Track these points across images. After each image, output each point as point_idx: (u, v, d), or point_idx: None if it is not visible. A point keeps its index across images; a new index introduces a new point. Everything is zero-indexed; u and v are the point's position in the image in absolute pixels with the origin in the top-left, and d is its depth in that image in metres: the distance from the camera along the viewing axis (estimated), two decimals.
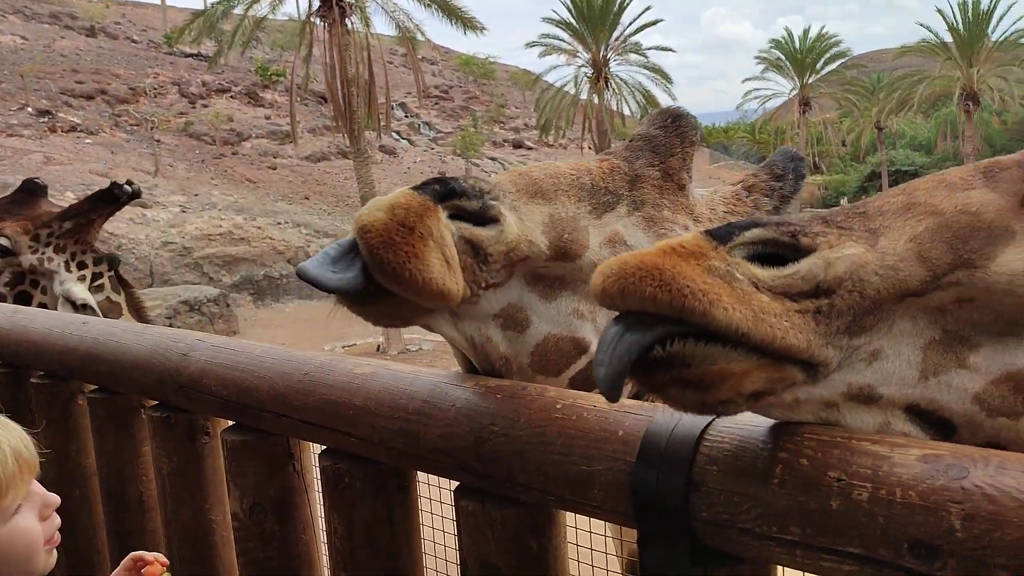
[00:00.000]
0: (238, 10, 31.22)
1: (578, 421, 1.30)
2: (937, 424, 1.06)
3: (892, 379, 1.03)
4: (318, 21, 30.34)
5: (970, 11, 37.44)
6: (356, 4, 29.58)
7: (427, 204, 1.33)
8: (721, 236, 1.00)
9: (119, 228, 35.12)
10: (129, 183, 4.33)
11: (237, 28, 30.99)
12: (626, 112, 44.89)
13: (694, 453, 1.16)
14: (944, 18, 37.87)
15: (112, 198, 4.23)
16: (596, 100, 42.06)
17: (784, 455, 1.09)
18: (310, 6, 30.17)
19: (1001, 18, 38.08)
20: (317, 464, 1.82)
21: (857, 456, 1.04)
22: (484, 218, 1.40)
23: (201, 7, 32.85)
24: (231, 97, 57.70)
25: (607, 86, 42.32)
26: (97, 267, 4.33)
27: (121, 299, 4.39)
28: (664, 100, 44.83)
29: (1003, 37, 38.67)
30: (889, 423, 1.06)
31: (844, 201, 68.14)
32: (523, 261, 1.45)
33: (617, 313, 1.02)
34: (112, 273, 4.42)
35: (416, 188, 1.36)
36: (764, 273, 0.99)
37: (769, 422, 1.17)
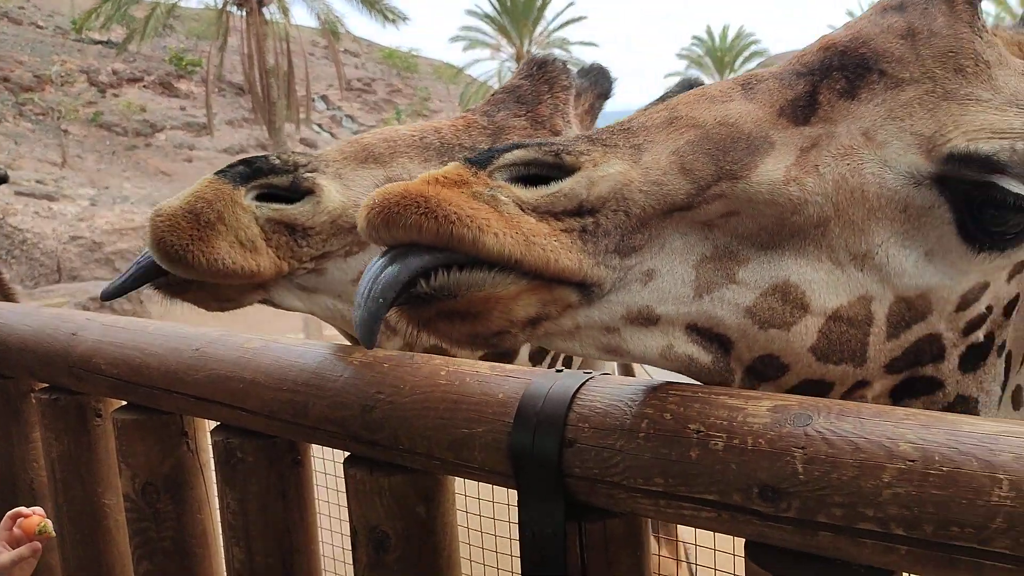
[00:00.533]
0: None
1: (460, 386, 1.34)
2: (716, 340, 1.09)
3: (668, 298, 1.04)
4: (235, 10, 29.69)
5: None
6: None
7: (220, 189, 1.33)
8: (481, 161, 0.99)
9: (24, 222, 33.72)
10: None
11: (149, 15, 30.06)
12: None
13: (567, 412, 1.20)
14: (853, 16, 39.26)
15: None
16: None
17: (650, 411, 1.15)
18: None
19: None
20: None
21: (715, 409, 1.10)
22: (298, 191, 1.39)
23: None
24: (144, 87, 55.88)
25: None
26: None
27: None
28: None
29: None
30: (672, 345, 1.08)
31: None
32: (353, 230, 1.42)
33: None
34: None
35: (220, 172, 1.35)
36: (527, 194, 0.97)
37: (641, 382, 1.23)
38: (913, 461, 0.95)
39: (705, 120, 1.07)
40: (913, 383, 1.16)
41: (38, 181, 38.14)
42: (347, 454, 1.53)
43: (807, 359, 1.09)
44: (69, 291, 29.27)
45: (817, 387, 1.12)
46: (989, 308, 1.16)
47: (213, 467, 1.88)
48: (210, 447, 1.88)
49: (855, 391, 1.14)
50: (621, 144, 1.05)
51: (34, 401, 2.17)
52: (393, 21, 31.06)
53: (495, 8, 42.05)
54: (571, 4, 43.42)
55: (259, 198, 1.37)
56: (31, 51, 54.71)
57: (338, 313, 1.51)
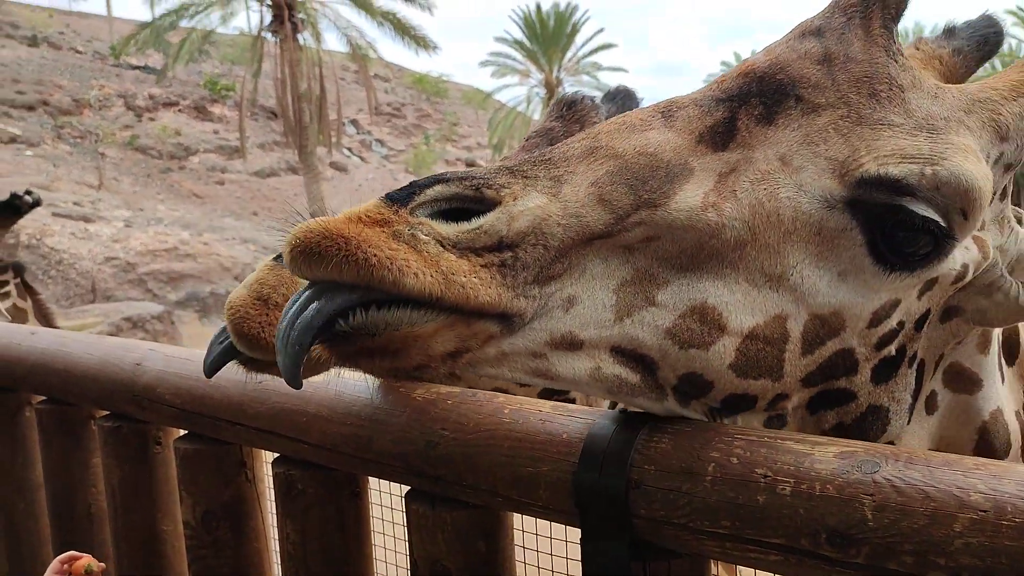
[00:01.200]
0: (186, 22, 30.92)
1: (524, 425, 1.37)
2: (640, 361, 1.10)
3: (590, 323, 1.06)
4: (269, 36, 30.20)
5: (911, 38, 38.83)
6: (308, 20, 29.48)
7: (281, 274, 1.40)
8: (402, 198, 0.98)
9: (60, 243, 34.31)
10: (28, 192, 4.32)
11: (184, 41, 30.66)
12: None
13: (633, 453, 1.23)
14: None
15: (14, 209, 4.24)
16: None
17: (716, 455, 1.17)
18: (261, 21, 30.02)
19: None
20: (269, 472, 1.86)
21: (781, 454, 1.12)
22: None
23: (148, 18, 32.40)
24: (179, 111, 56.87)
25: None
26: (3, 275, 4.33)
27: (28, 305, 4.39)
28: None
29: None
30: (600, 367, 1.09)
31: None
32: None
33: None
34: (18, 280, 4.42)
35: (276, 257, 1.42)
36: (448, 230, 0.98)
37: (705, 424, 1.25)
38: (985, 511, 0.96)
39: (624, 150, 1.09)
40: (828, 395, 1.20)
41: (75, 203, 38.84)
42: (407, 488, 1.57)
43: (728, 376, 1.12)
44: (103, 311, 29.70)
45: (741, 401, 1.16)
46: (901, 323, 1.20)
47: (269, 497, 1.93)
48: (267, 477, 1.92)
49: (776, 404, 1.18)
50: (541, 176, 1.06)
51: (95, 428, 2.23)
52: (425, 48, 31.41)
53: (524, 35, 42.38)
54: (600, 31, 43.70)
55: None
56: (70, 75, 55.94)
57: None
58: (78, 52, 64.50)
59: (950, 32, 1.47)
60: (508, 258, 0.99)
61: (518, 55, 43.15)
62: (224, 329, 1.45)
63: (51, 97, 51.23)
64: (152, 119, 54.01)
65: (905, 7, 1.20)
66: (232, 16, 30.75)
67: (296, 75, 29.21)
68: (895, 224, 1.10)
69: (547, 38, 41.82)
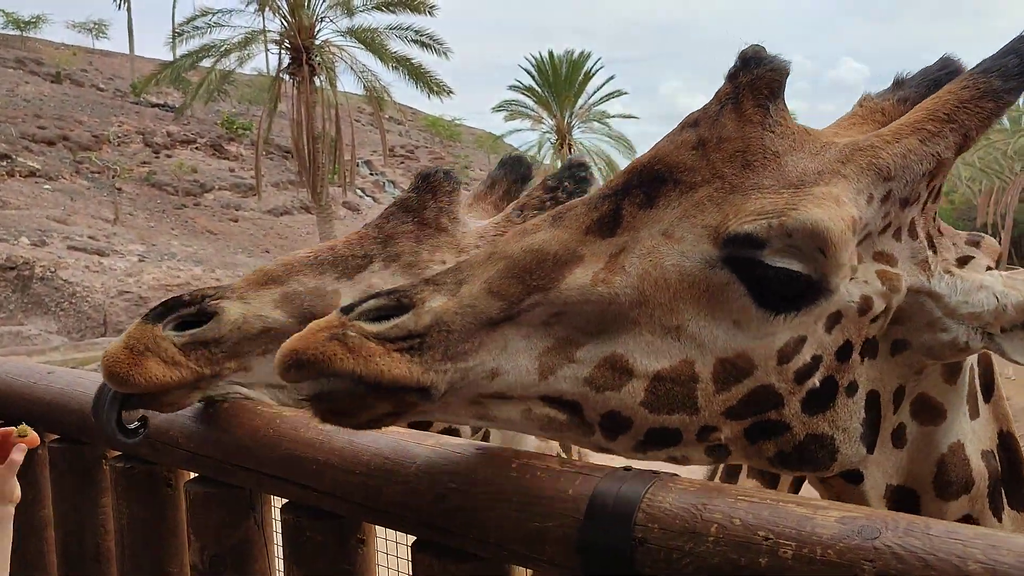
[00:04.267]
0: (206, 63, 31.46)
1: (532, 480, 1.39)
2: (566, 405, 1.30)
3: (517, 386, 1.28)
4: (287, 77, 30.67)
5: None
6: (324, 64, 29.96)
7: (144, 328, 1.72)
8: (348, 309, 1.27)
9: (74, 275, 34.59)
10: None
11: (203, 80, 31.16)
12: None
13: (637, 512, 1.25)
14: None
15: None
16: (559, 165, 42.76)
17: (719, 516, 1.19)
18: (280, 63, 30.52)
19: None
20: (277, 517, 1.88)
21: (783, 518, 1.15)
22: (206, 315, 1.75)
23: (170, 58, 33.00)
24: (196, 148, 57.60)
25: (570, 151, 43.11)
26: None
27: None
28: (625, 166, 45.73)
29: None
30: (531, 409, 1.30)
31: None
32: (271, 332, 1.77)
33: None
34: None
35: (144, 316, 1.75)
36: (373, 328, 1.24)
37: (709, 485, 1.28)
38: None
39: (513, 251, 1.32)
40: (761, 426, 1.33)
41: (90, 236, 39.23)
42: (413, 538, 1.59)
43: (642, 412, 1.28)
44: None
45: (663, 434, 1.31)
46: (816, 357, 1.32)
47: (277, 541, 1.95)
48: (275, 521, 1.94)
49: (707, 435, 1.32)
50: (448, 282, 1.30)
51: (107, 468, 2.26)
52: (438, 94, 31.84)
53: (536, 81, 42.89)
54: (611, 78, 44.25)
55: (177, 327, 1.73)
56: (91, 112, 56.84)
57: (273, 395, 1.84)
58: (99, 89, 65.61)
59: (899, 83, 1.62)
60: (416, 343, 1.24)
61: (530, 101, 43.64)
62: (105, 389, 1.78)
63: (71, 132, 52.02)
64: (169, 156, 54.73)
65: (781, 86, 1.37)
66: (250, 58, 31.25)
67: (312, 116, 29.63)
68: (761, 273, 1.26)
69: (559, 85, 42.32)
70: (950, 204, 61.56)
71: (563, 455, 2.20)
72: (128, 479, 2.16)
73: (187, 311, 1.76)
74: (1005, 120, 44.46)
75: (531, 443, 2.15)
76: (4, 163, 45.73)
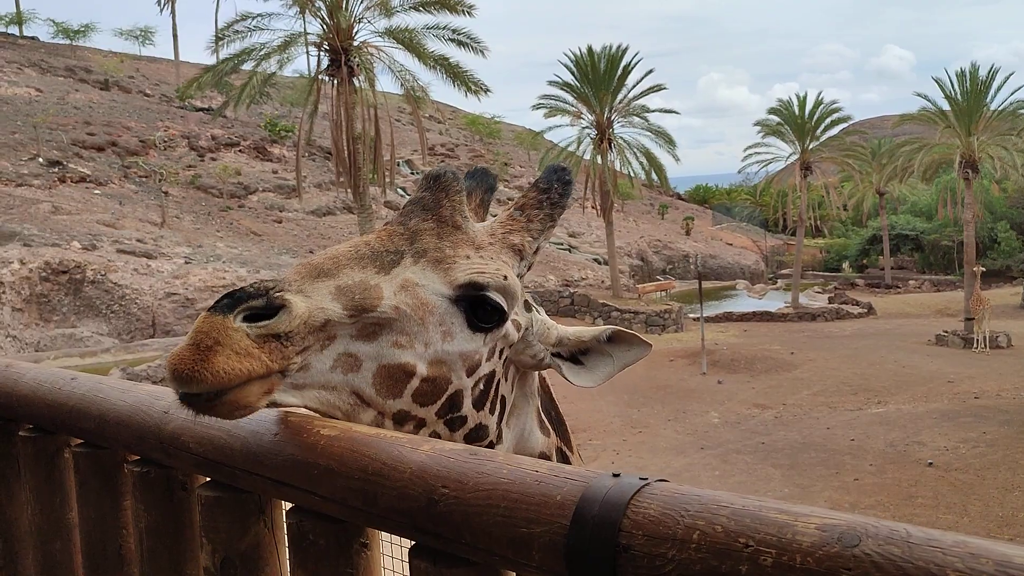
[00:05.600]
0: (248, 66, 31.88)
1: (521, 485, 1.39)
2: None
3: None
4: (326, 79, 30.95)
5: (968, 81, 38.06)
6: (362, 65, 30.17)
7: (213, 321, 1.64)
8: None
9: (123, 278, 35.36)
10: None
11: (245, 84, 31.58)
12: (629, 173, 45.39)
13: (622, 519, 1.24)
14: (942, 88, 38.46)
15: None
16: (599, 160, 42.56)
17: (701, 522, 1.18)
18: (319, 64, 30.79)
19: (999, 88, 38.62)
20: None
21: (765, 525, 1.13)
22: (273, 307, 1.70)
23: (213, 62, 33.50)
24: (240, 151, 58.50)
25: (610, 147, 42.89)
26: None
27: None
28: (666, 161, 45.41)
29: (1002, 107, 39.21)
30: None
31: (846, 265, 68.43)
32: (330, 324, 1.76)
33: None
34: None
35: (210, 308, 1.68)
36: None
37: (694, 491, 1.26)
38: None
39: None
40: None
41: (138, 240, 40.07)
42: (412, 543, 1.59)
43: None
44: (162, 345, 30.43)
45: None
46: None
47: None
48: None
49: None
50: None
51: (127, 472, 2.31)
52: (476, 92, 31.88)
53: (575, 77, 42.71)
54: (650, 72, 43.86)
55: (247, 319, 1.67)
56: (138, 117, 58.06)
57: (326, 402, 1.79)
58: (146, 95, 66.97)
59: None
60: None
61: (569, 97, 43.46)
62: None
63: (119, 138, 53.19)
64: (214, 159, 55.68)
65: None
66: (290, 61, 31.67)
67: (351, 117, 29.86)
68: None
69: (598, 80, 42.06)
70: (1003, 192, 60.03)
71: (563, 448, 2.22)
72: (145, 483, 2.20)
73: (256, 303, 1.69)
74: None
75: (538, 442, 2.16)
76: (56, 169, 46.91)
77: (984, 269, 40.83)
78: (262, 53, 30.98)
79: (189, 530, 2.18)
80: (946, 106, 38.73)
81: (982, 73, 38.34)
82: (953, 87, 38.32)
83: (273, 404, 1.72)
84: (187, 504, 2.17)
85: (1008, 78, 38.69)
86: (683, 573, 1.16)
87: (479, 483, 1.44)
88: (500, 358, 2.00)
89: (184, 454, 2.04)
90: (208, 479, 2.05)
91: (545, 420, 2.22)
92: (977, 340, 31.40)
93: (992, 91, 38.35)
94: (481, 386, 1.95)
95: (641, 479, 1.31)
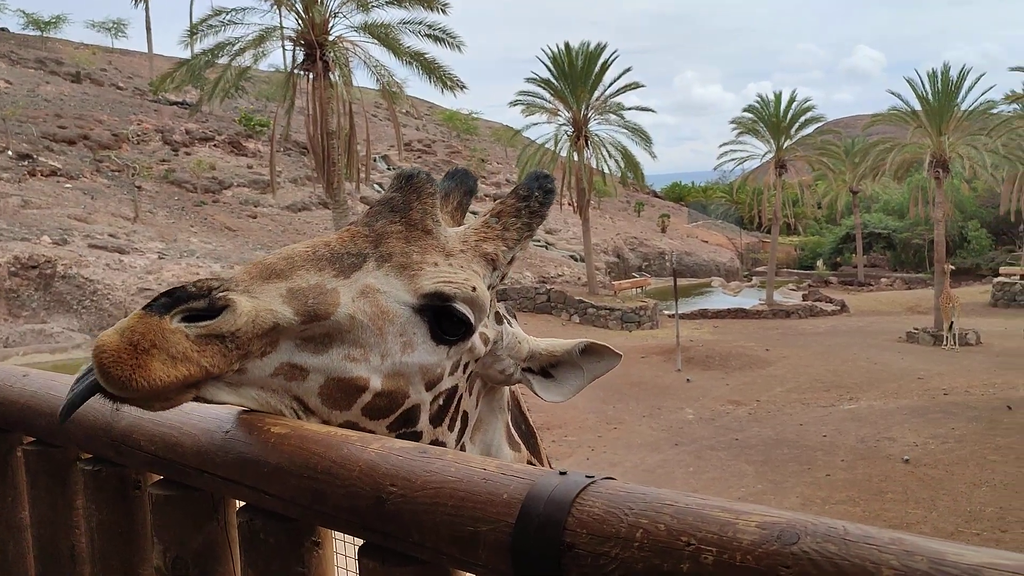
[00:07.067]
0: (223, 60, 31.58)
1: (469, 484, 1.38)
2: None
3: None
4: (302, 74, 30.74)
5: (939, 81, 38.45)
6: (337, 60, 29.99)
7: (150, 322, 1.55)
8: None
9: (95, 273, 34.96)
10: None
11: (220, 78, 31.29)
12: (605, 170, 45.50)
13: (567, 517, 1.24)
14: (913, 88, 38.83)
15: None
16: (576, 157, 42.61)
17: (645, 521, 1.17)
18: (294, 59, 30.57)
19: (970, 89, 39.05)
20: None
21: (707, 523, 1.13)
22: (215, 309, 1.61)
23: (187, 55, 33.15)
24: (214, 146, 57.99)
25: (587, 144, 42.95)
26: None
27: None
28: (643, 158, 45.56)
29: (972, 107, 39.65)
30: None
31: (820, 263, 69.02)
32: (278, 331, 1.66)
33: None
34: None
35: (146, 307, 1.58)
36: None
37: (640, 489, 1.26)
38: None
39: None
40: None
41: (111, 235, 39.64)
42: (362, 541, 1.58)
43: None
44: None
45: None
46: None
47: None
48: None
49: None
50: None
51: (78, 470, 2.27)
52: (452, 89, 31.79)
53: (552, 74, 42.72)
54: (628, 70, 43.93)
55: (185, 320, 1.58)
56: (111, 110, 57.37)
57: (266, 403, 1.72)
58: (119, 88, 66.16)
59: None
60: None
61: (546, 94, 43.45)
62: (89, 369, 1.59)
63: (91, 132, 52.52)
64: (188, 153, 55.13)
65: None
66: (265, 55, 31.36)
67: (326, 112, 29.68)
68: None
69: (575, 77, 42.09)
70: (973, 191, 60.81)
71: (533, 462, 2.19)
72: (97, 481, 2.16)
73: (196, 304, 1.61)
74: None
75: (507, 457, 2.11)
76: (26, 163, 46.25)
77: (954, 267, 41.40)
78: (237, 47, 30.71)
79: (141, 529, 2.14)
80: (917, 106, 39.12)
81: (953, 74, 38.78)
82: (924, 87, 38.73)
83: (202, 399, 1.65)
84: (139, 503, 2.14)
85: (979, 79, 39.17)
86: (626, 571, 1.16)
87: (427, 481, 1.42)
88: (464, 372, 1.91)
89: (136, 452, 2.01)
90: (161, 477, 2.02)
91: (515, 434, 2.14)
92: (947, 337, 31.78)
93: (963, 92, 38.78)
94: (441, 401, 1.86)
95: (587, 477, 1.30)
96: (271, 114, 45.40)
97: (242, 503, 1.83)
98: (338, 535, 1.83)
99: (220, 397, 1.66)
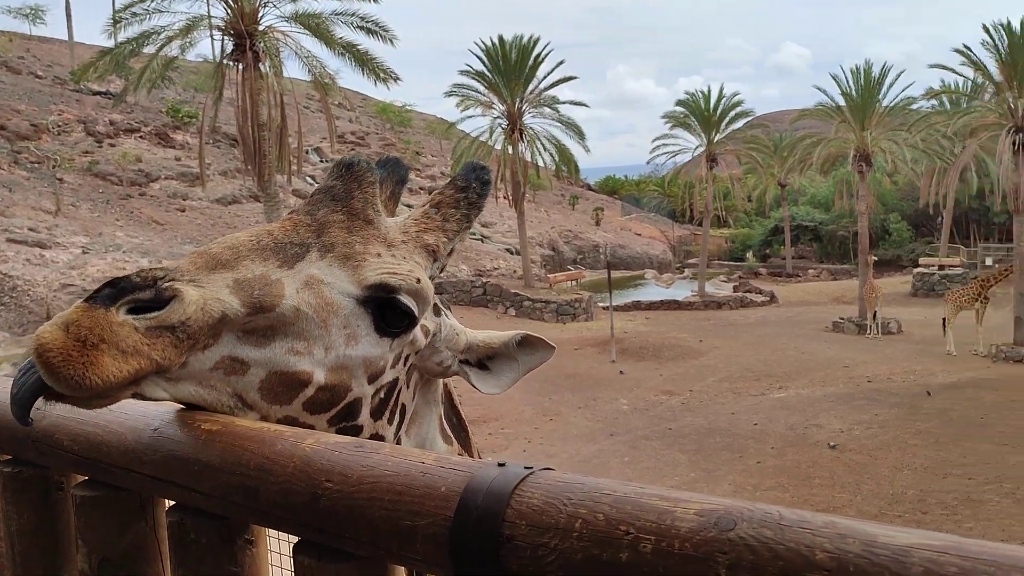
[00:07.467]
0: (149, 49, 30.69)
1: (406, 477, 1.36)
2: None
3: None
4: (231, 64, 30.08)
5: (862, 78, 39.55)
6: (268, 50, 29.42)
7: (95, 315, 1.47)
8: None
9: (14, 269, 33.71)
10: None
11: (145, 67, 30.41)
12: (540, 164, 45.66)
13: (506, 509, 1.23)
14: (838, 84, 39.89)
15: None
16: (511, 151, 42.64)
17: (584, 511, 1.17)
18: (223, 49, 29.89)
19: (891, 85, 40.25)
20: None
21: (646, 512, 1.13)
22: (162, 299, 1.54)
23: (111, 44, 32.06)
24: (140, 137, 56.38)
25: (521, 137, 43.01)
26: None
27: None
28: (577, 152, 45.82)
29: (893, 103, 40.89)
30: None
31: (750, 254, 70.48)
32: (223, 322, 1.61)
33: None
34: None
35: (89, 299, 1.50)
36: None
37: (579, 479, 1.26)
38: (828, 571, 0.97)
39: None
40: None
41: (31, 229, 38.22)
42: (298, 538, 1.55)
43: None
44: None
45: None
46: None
47: None
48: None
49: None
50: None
51: None
52: (384, 80, 31.48)
53: (486, 67, 42.64)
54: (561, 63, 44.13)
55: (132, 311, 1.51)
56: (29, 100, 55.25)
57: (202, 398, 1.65)
58: (38, 77, 63.78)
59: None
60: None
61: (480, 87, 43.38)
62: (30, 366, 1.48)
63: (8, 122, 50.51)
64: (112, 145, 53.45)
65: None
66: (192, 45, 30.51)
67: (257, 103, 29.09)
68: None
69: (509, 70, 42.10)
70: (894, 185, 62.76)
71: (464, 455, 2.18)
72: (18, 483, 2.08)
73: (143, 295, 1.53)
74: (946, 102, 45.41)
75: (441, 450, 2.10)
76: None
77: (877, 258, 42.77)
78: (163, 36, 29.86)
79: (65, 532, 2.07)
80: (842, 102, 40.18)
81: (875, 71, 39.94)
82: (848, 84, 39.80)
83: (140, 396, 1.58)
84: (63, 505, 2.07)
85: (899, 76, 40.44)
86: (565, 562, 1.16)
87: (364, 476, 1.40)
88: (405, 365, 1.89)
89: (59, 452, 1.93)
90: (86, 478, 1.95)
91: (447, 427, 2.13)
92: (870, 326, 32.78)
93: (884, 88, 39.98)
94: (382, 395, 1.84)
95: (526, 468, 1.30)
96: (200, 105, 44.25)
97: (172, 502, 1.78)
98: (273, 533, 1.79)
99: (157, 394, 1.60)
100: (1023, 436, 17.65)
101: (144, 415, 1.79)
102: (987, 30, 29.51)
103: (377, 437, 1.85)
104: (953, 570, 0.93)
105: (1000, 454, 16.73)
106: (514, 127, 42.66)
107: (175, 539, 1.72)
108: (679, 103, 52.46)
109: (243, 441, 1.58)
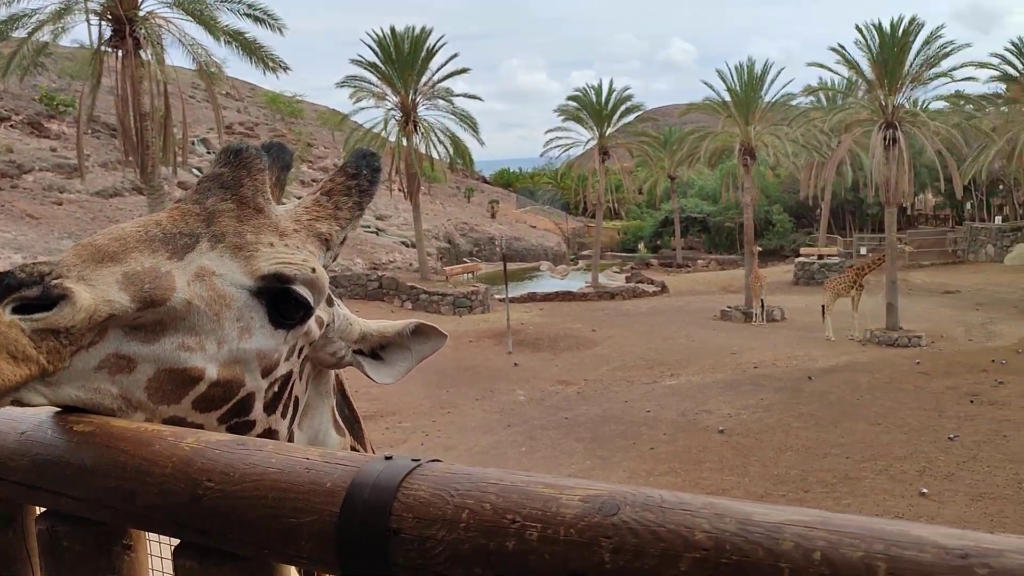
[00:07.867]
0: (19, 34, 29.00)
1: (290, 474, 1.33)
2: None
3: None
4: (110, 51, 28.72)
5: (746, 74, 40.92)
6: (149, 37, 28.25)
7: None
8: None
9: None
10: None
11: (15, 53, 28.72)
12: (435, 156, 45.43)
13: (393, 502, 1.22)
14: (724, 80, 41.15)
15: None
16: (405, 142, 42.27)
17: (471, 501, 1.17)
18: (100, 35, 28.51)
19: (772, 81, 41.78)
20: None
21: (531, 500, 1.14)
22: (50, 298, 1.47)
23: None
24: (11, 126, 53.27)
25: (416, 129, 42.68)
26: None
27: None
28: (472, 144, 45.81)
29: (774, 99, 42.47)
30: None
31: (642, 246, 72.10)
32: (111, 319, 1.54)
33: None
34: None
35: None
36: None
37: (466, 470, 1.26)
38: (707, 550, 1.00)
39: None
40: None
41: None
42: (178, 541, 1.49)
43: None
44: None
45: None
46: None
47: None
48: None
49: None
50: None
51: None
52: (273, 70, 30.68)
53: (379, 57, 42.13)
54: (455, 55, 43.98)
55: (17, 311, 1.43)
56: None
57: (84, 401, 1.57)
58: None
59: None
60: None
61: (373, 77, 42.82)
62: None
63: None
64: None
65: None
66: (66, 30, 28.95)
67: (138, 92, 27.89)
68: None
69: (402, 62, 41.70)
70: (776, 178, 65.30)
71: (357, 448, 2.15)
72: None
73: (30, 293, 1.44)
74: (823, 98, 47.45)
75: (334, 442, 2.07)
76: None
77: (761, 249, 44.41)
78: (35, 20, 28.26)
79: None
80: (727, 97, 41.45)
81: (757, 68, 41.39)
82: (733, 79, 41.10)
83: (18, 403, 1.50)
84: None
85: (779, 73, 41.98)
86: (453, 553, 1.16)
87: (246, 474, 1.36)
88: (299, 357, 1.85)
89: None
90: None
91: (339, 419, 2.10)
92: (756, 314, 34.04)
93: (766, 84, 41.47)
94: (276, 388, 1.79)
95: (413, 460, 1.29)
96: (76, 93, 42.15)
97: (43, 509, 1.69)
98: (153, 536, 1.72)
99: (36, 400, 1.51)
100: (894, 416, 18.70)
101: (11, 418, 1.70)
102: (860, 30, 30.91)
103: (270, 432, 1.81)
104: (822, 543, 0.97)
105: (874, 433, 17.67)
106: (408, 119, 42.28)
107: (46, 548, 1.64)
108: (571, 97, 53.04)
109: (119, 442, 1.52)
